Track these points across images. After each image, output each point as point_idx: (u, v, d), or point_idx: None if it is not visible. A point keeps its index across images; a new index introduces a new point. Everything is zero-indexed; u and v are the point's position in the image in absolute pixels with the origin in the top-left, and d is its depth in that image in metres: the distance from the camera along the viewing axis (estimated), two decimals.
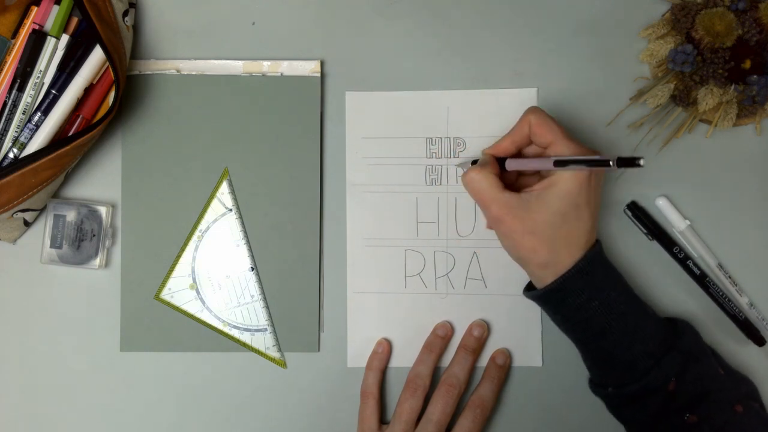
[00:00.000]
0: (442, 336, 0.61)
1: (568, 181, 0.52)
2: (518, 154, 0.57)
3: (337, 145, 0.63)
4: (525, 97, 0.62)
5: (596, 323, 0.54)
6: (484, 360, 0.62)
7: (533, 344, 0.62)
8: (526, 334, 0.62)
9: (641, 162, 0.47)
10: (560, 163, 0.52)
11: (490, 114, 0.62)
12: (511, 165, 0.56)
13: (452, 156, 0.62)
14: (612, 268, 0.56)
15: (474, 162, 0.59)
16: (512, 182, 0.58)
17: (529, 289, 0.58)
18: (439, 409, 0.59)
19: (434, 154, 0.63)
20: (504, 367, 0.61)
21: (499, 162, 0.56)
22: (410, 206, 0.62)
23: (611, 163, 0.49)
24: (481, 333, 0.61)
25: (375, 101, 0.63)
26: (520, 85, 0.63)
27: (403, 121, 0.63)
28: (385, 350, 0.61)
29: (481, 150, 0.57)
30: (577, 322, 0.55)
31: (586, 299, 0.54)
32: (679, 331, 0.56)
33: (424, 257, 0.62)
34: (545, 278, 0.54)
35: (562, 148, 0.53)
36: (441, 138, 0.63)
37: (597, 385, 0.58)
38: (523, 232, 0.53)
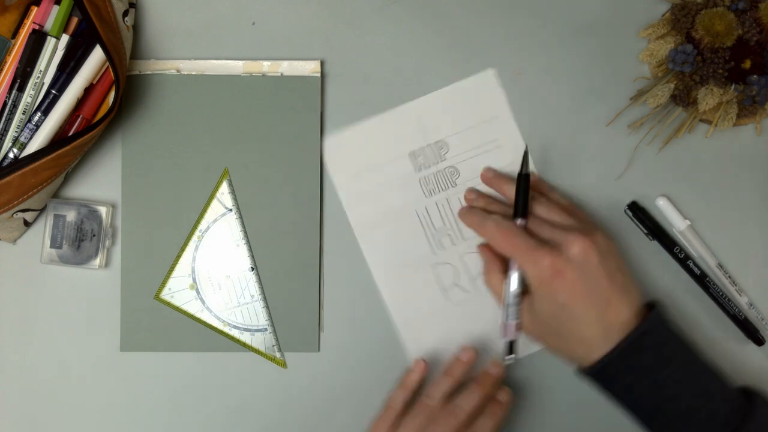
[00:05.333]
0: (465, 361, 0.59)
1: (535, 291, 0.54)
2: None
3: None
4: (483, 80, 0.62)
5: (645, 405, 0.52)
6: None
7: None
8: None
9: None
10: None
11: (458, 108, 0.62)
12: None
13: (439, 161, 0.62)
14: (665, 343, 0.52)
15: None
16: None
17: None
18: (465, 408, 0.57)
19: (421, 166, 0.62)
20: (505, 404, 0.58)
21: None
22: (420, 223, 0.62)
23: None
24: (469, 358, 0.59)
25: (350, 137, 0.62)
26: (521, 85, 0.62)
27: (383, 145, 0.62)
28: (420, 371, 0.59)
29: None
30: (627, 403, 0.54)
31: (634, 380, 0.52)
32: (749, 413, 0.50)
33: (453, 265, 0.62)
34: (586, 361, 0.54)
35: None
36: (423, 147, 0.62)
37: None
38: (538, 336, 0.56)
